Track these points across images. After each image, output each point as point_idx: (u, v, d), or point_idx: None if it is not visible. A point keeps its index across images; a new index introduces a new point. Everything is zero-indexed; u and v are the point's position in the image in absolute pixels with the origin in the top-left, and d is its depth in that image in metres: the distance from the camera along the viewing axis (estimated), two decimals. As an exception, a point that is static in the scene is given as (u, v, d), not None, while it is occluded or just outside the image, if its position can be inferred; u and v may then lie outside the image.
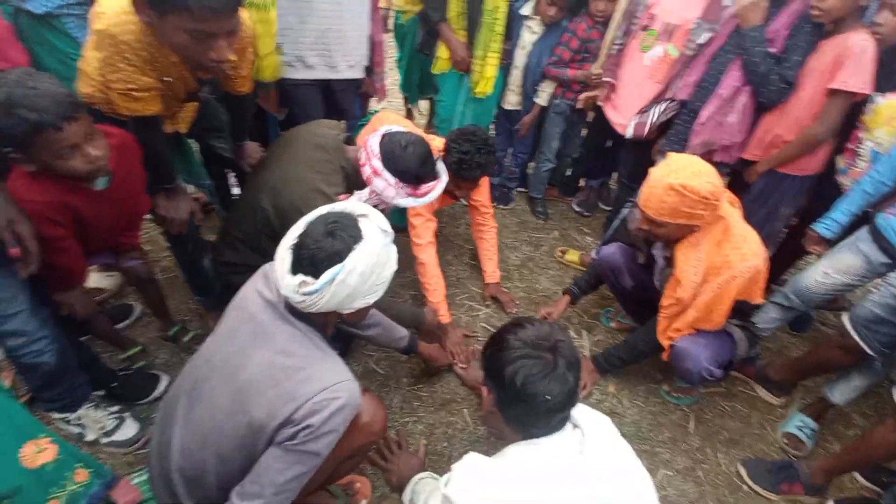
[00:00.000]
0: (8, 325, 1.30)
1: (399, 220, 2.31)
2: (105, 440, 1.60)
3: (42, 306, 1.38)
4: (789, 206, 2.12)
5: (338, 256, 0.99)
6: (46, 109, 1.11)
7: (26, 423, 1.03)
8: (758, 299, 1.64)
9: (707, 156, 2.13)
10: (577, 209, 3.08)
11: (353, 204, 1.10)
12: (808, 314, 2.33)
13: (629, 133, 2.33)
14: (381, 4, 3.09)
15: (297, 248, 1.02)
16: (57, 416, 1.58)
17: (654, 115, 2.23)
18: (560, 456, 0.96)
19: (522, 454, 0.98)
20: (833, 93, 1.81)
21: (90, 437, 1.59)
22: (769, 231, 2.13)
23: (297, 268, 1.01)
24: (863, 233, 1.79)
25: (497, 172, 3.00)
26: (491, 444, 1.76)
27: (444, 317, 2.09)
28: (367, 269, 1.01)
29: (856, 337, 1.65)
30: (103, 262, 1.68)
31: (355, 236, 1.01)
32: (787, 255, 2.34)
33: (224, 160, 1.96)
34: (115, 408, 1.64)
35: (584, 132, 2.92)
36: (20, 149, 1.17)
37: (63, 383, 1.48)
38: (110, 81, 1.27)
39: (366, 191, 1.53)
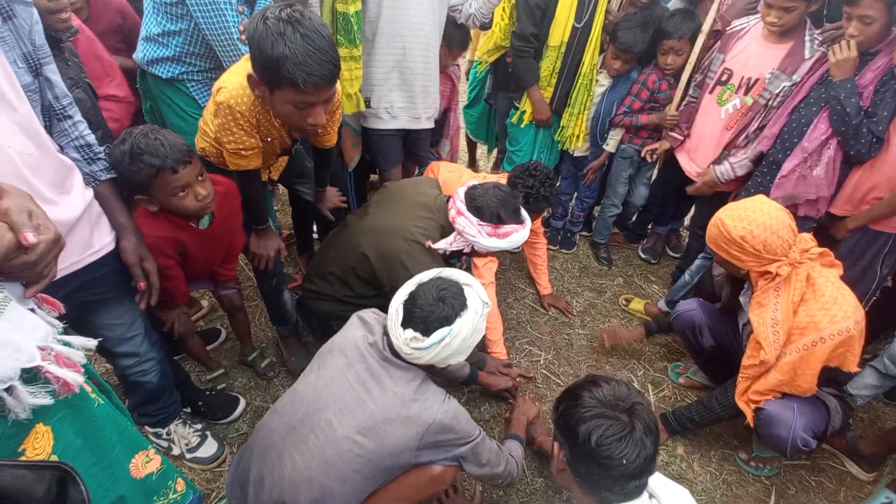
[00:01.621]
0: (124, 347, 1.45)
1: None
2: (189, 455, 1.74)
3: (154, 330, 1.55)
4: (886, 266, 1.96)
5: (446, 321, 1.15)
6: (166, 156, 1.34)
7: (137, 435, 1.13)
8: (852, 367, 1.51)
9: (791, 209, 2.04)
10: (644, 256, 3.01)
11: (457, 272, 1.25)
12: None
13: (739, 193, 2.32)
14: (467, 56, 3.31)
15: (410, 306, 1.18)
16: (150, 430, 1.73)
17: (734, 166, 2.20)
18: None
19: None
20: None
21: (176, 451, 1.74)
22: (862, 291, 1.98)
23: (408, 323, 1.16)
24: None
25: (561, 216, 3.02)
26: (548, 499, 1.72)
27: (502, 354, 2.14)
28: (468, 334, 1.16)
29: None
30: (204, 287, 1.90)
31: (462, 304, 1.18)
32: (884, 317, 2.14)
33: (307, 204, 2.14)
34: (199, 425, 1.79)
35: (652, 176, 2.89)
36: (144, 190, 1.39)
37: (162, 400, 1.63)
38: (224, 142, 1.48)
39: (453, 234, 1.63)
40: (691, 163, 2.41)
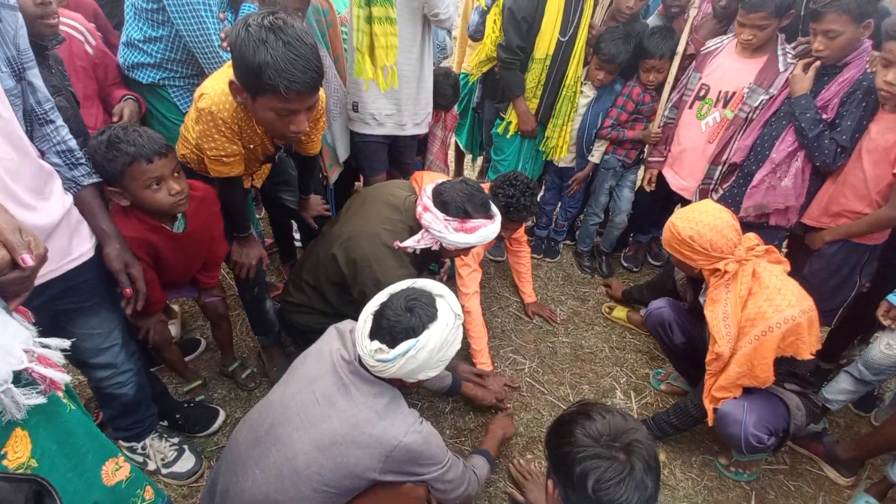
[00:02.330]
0: (100, 358, 1.41)
1: (452, 268, 2.40)
2: (165, 470, 1.69)
3: (131, 341, 1.51)
4: (865, 275, 2.02)
5: (413, 332, 1.11)
6: (142, 145, 1.35)
7: (108, 442, 1.12)
8: (805, 355, 1.57)
9: (763, 218, 2.10)
10: (626, 264, 3.05)
11: (431, 283, 1.22)
12: (872, 394, 2.18)
13: (696, 199, 2.38)
14: (454, 69, 3.35)
15: (378, 317, 1.15)
16: (124, 444, 1.68)
17: (717, 179, 2.26)
18: None
19: None
20: None
21: (151, 466, 1.69)
22: (841, 299, 2.04)
23: (375, 334, 1.13)
24: None
25: (546, 225, 3.05)
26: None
27: (486, 364, 2.14)
28: (436, 347, 1.12)
29: None
30: (188, 295, 1.86)
31: (431, 315, 1.13)
32: (860, 323, 2.20)
33: (289, 211, 2.13)
34: (176, 440, 1.74)
35: (636, 181, 2.93)
36: (117, 182, 1.37)
37: (138, 414, 1.59)
38: (205, 149, 1.46)
39: (420, 232, 1.62)
40: (676, 176, 2.47)
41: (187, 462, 1.71)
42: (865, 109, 1.81)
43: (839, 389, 1.97)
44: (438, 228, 1.57)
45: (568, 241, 3.16)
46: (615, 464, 0.87)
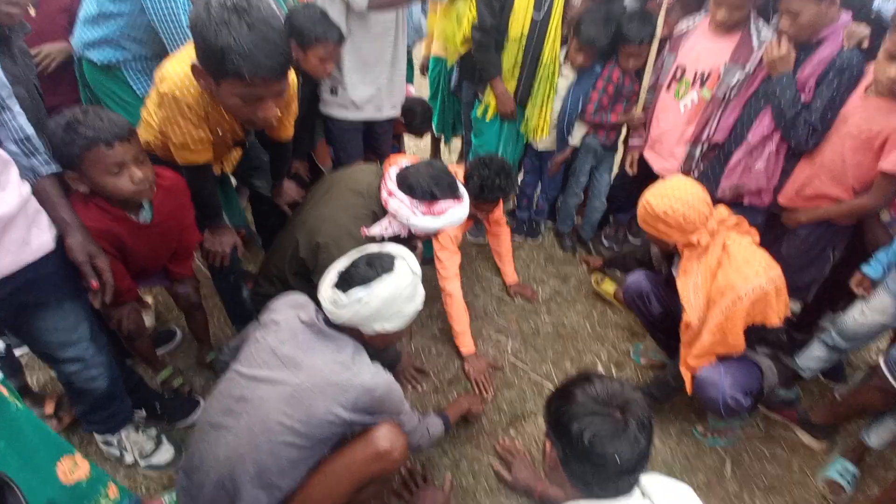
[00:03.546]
0: (68, 352, 1.37)
1: (428, 251, 2.39)
2: (143, 462, 1.67)
3: (101, 333, 1.47)
4: (838, 251, 2.07)
5: (368, 280, 1.18)
6: (102, 129, 1.28)
7: (60, 439, 1.10)
8: (775, 322, 1.62)
9: (739, 199, 2.12)
10: (606, 243, 3.07)
11: (396, 246, 1.27)
12: (842, 364, 2.24)
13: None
14: (423, 52, 3.30)
15: (342, 272, 1.23)
16: (99, 437, 1.66)
17: (697, 158, 2.27)
18: None
19: None
20: (885, 172, 1.73)
21: (129, 459, 1.66)
22: (814, 275, 2.08)
23: (337, 285, 1.20)
24: (895, 272, 1.74)
25: (527, 207, 3.05)
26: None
27: (469, 346, 2.14)
28: (388, 297, 1.18)
29: (890, 379, 1.58)
30: (159, 284, 1.82)
31: (387, 269, 1.19)
32: (833, 295, 2.25)
33: (267, 200, 2.08)
34: (153, 431, 1.72)
35: (614, 164, 2.94)
36: (75, 167, 1.31)
37: (110, 407, 1.55)
38: (169, 135, 1.41)
39: (386, 218, 1.59)
40: (657, 158, 2.47)
41: (166, 453, 1.69)
42: (837, 89, 1.80)
43: (812, 357, 2.02)
44: (405, 214, 1.55)
45: (549, 222, 3.17)
46: (610, 420, 0.92)
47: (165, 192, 1.51)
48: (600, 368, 2.24)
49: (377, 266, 1.20)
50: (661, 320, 2.02)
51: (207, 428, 1.22)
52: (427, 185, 1.54)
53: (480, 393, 2.03)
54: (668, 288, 1.97)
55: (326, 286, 1.22)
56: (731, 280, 1.59)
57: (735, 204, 2.15)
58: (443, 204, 1.56)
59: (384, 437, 1.24)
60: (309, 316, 1.25)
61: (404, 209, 1.54)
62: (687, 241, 1.64)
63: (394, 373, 2.00)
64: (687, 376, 1.75)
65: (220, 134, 1.49)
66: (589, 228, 3.00)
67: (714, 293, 1.62)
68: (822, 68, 1.83)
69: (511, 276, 2.61)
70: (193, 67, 1.27)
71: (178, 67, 1.33)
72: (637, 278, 2.05)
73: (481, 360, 2.13)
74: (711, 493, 1.77)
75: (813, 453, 1.95)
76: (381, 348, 1.32)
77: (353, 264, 1.22)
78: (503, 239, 2.56)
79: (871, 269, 1.79)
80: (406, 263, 1.24)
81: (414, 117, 2.66)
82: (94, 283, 1.28)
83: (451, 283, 2.12)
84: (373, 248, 1.29)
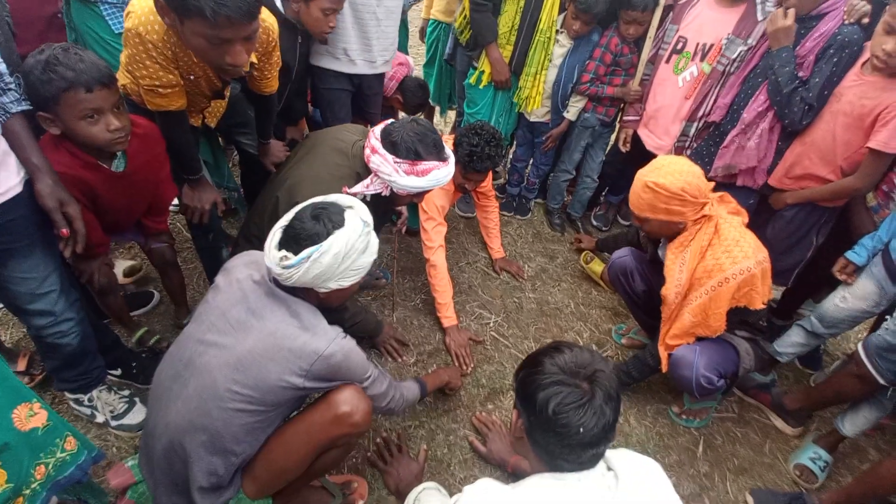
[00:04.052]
0: (37, 304, 1.33)
1: (413, 222, 2.34)
2: (115, 423, 1.64)
3: (72, 288, 1.42)
4: (822, 235, 2.06)
5: (317, 237, 1.09)
6: (83, 72, 1.21)
7: (20, 386, 1.07)
8: (757, 305, 1.61)
9: (731, 179, 2.10)
10: (596, 223, 3.05)
11: (343, 196, 1.19)
12: (818, 351, 2.27)
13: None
14: (422, 15, 3.19)
15: (287, 228, 1.13)
16: (70, 396, 1.62)
17: (692, 136, 2.23)
18: (583, 495, 0.89)
19: (542, 487, 0.92)
20: (873, 150, 1.72)
21: (100, 419, 1.64)
22: (798, 258, 2.08)
23: (282, 245, 1.11)
24: (878, 258, 1.74)
25: (517, 183, 3.00)
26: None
27: (451, 318, 2.12)
28: (340, 252, 1.10)
29: (868, 365, 1.59)
30: (133, 239, 1.74)
31: (337, 222, 1.11)
32: (814, 280, 2.26)
33: (256, 161, 2.00)
34: (126, 392, 1.69)
35: (609, 144, 2.90)
36: (50, 108, 1.24)
37: (82, 365, 1.52)
38: (137, 77, 1.33)
39: (369, 177, 1.53)
40: (651, 135, 2.42)
41: (138, 414, 1.66)
42: (837, 66, 1.77)
43: (790, 342, 2.04)
44: (388, 171, 1.47)
45: (539, 200, 3.13)
46: (577, 390, 0.90)
47: (140, 141, 1.45)
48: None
49: (325, 220, 1.10)
50: (644, 300, 2.02)
51: (158, 392, 1.18)
52: (411, 143, 1.47)
53: (460, 366, 2.02)
54: (652, 267, 1.96)
55: (272, 245, 1.12)
56: (720, 260, 1.57)
57: (727, 185, 2.14)
58: (427, 163, 1.49)
59: (345, 401, 1.19)
60: (261, 274, 1.18)
61: (386, 166, 1.47)
62: (699, 215, 1.61)
63: (374, 343, 2.02)
64: (664, 355, 1.75)
65: (194, 80, 1.41)
66: (579, 206, 2.97)
67: (700, 273, 1.61)
68: (823, 43, 1.80)
69: (498, 251, 2.58)
70: (157, 2, 1.19)
71: (144, 2, 1.24)
72: (622, 255, 2.04)
73: (463, 334, 2.12)
74: (682, 472, 1.80)
75: (785, 438, 1.98)
76: (336, 305, 1.25)
77: (298, 218, 1.12)
78: (491, 213, 2.52)
79: (856, 255, 1.79)
80: (356, 213, 1.15)
81: (412, 96, 2.57)
82: (65, 230, 1.23)
83: (436, 254, 2.09)
84: (317, 199, 1.18)
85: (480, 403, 1.91)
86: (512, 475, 1.67)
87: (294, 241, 1.09)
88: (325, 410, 1.19)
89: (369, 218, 1.17)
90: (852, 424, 1.78)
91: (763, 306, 1.62)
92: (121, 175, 1.44)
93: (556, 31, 2.43)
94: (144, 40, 1.25)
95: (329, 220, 1.10)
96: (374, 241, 1.20)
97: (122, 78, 1.48)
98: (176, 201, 1.73)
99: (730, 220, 1.63)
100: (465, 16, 2.47)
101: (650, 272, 1.97)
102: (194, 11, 1.10)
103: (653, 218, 1.64)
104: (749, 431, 1.99)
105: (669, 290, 1.66)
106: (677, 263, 1.65)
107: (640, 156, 2.60)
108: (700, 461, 1.85)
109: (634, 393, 2.02)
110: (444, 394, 1.88)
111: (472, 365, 2.05)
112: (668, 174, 1.57)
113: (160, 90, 1.34)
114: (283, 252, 1.09)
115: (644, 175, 1.61)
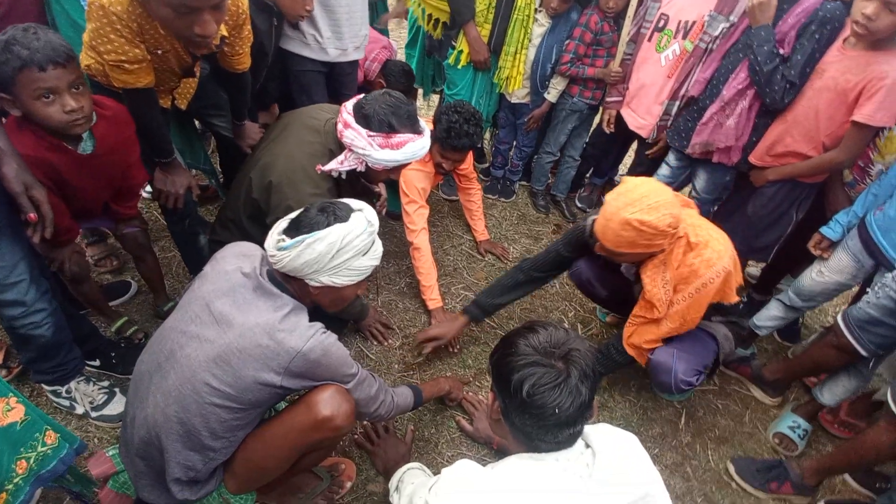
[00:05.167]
0: (7, 295, 1.29)
1: (394, 205, 2.32)
2: (94, 414, 1.61)
3: (43, 278, 1.38)
4: (801, 211, 2.08)
5: (316, 226, 1.10)
6: (37, 50, 1.18)
7: None
8: (732, 299, 1.58)
9: (706, 156, 2.11)
10: (580, 205, 3.06)
11: (356, 201, 1.18)
12: (796, 324, 2.32)
13: (654, 136, 2.35)
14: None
15: (294, 218, 1.14)
16: (48, 388, 1.59)
17: (674, 115, 2.23)
18: (560, 475, 0.88)
19: (520, 468, 0.90)
20: (857, 123, 1.71)
21: (79, 410, 1.60)
22: (778, 234, 2.10)
23: (285, 231, 1.12)
24: (853, 232, 1.77)
25: (501, 165, 2.99)
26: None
27: (436, 301, 2.12)
28: (335, 243, 1.09)
29: (849, 336, 1.62)
30: (101, 226, 1.70)
31: (341, 217, 1.11)
32: (792, 256, 2.30)
33: (233, 144, 1.95)
34: (106, 383, 1.65)
35: (592, 125, 2.90)
36: (8, 88, 1.22)
37: (58, 357, 1.48)
38: (102, 53, 1.28)
39: (343, 152, 1.49)
40: (633, 115, 2.42)
41: (118, 405, 1.62)
42: (819, 42, 1.76)
43: (769, 316, 2.08)
44: (362, 146, 1.44)
45: (524, 182, 3.12)
46: (551, 370, 0.88)
47: (108, 123, 1.40)
48: (566, 326, 2.26)
49: (330, 213, 1.11)
50: (609, 299, 2.00)
51: (138, 383, 1.16)
52: (384, 115, 1.43)
53: (447, 349, 2.02)
54: (608, 270, 1.89)
55: (274, 231, 1.14)
56: (695, 266, 1.49)
57: (704, 161, 2.15)
58: (401, 136, 1.46)
59: (326, 403, 1.14)
60: (252, 267, 1.15)
61: (360, 140, 1.43)
62: (675, 238, 1.50)
63: (359, 327, 2.01)
64: (637, 355, 1.71)
65: (162, 55, 1.36)
66: (563, 187, 2.97)
67: (677, 280, 1.53)
68: (804, 19, 1.79)
69: (482, 233, 2.57)
70: None
71: None
72: (577, 269, 1.97)
73: (448, 316, 2.11)
74: (666, 444, 1.84)
75: (765, 408, 2.03)
76: (328, 308, 1.22)
77: (306, 210, 1.14)
78: (474, 196, 2.50)
79: (831, 230, 1.82)
80: (363, 216, 1.15)
81: (395, 81, 2.48)
82: (32, 214, 1.19)
83: (419, 237, 2.07)
84: (333, 200, 1.18)
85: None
86: (498, 452, 1.68)
87: (295, 227, 1.11)
88: (305, 413, 1.14)
89: (377, 222, 1.17)
90: (831, 393, 1.82)
91: (738, 299, 1.59)
92: (88, 157, 1.39)
93: (535, 10, 2.40)
94: (108, 12, 1.20)
95: (334, 214, 1.11)
96: (380, 248, 1.20)
97: (86, 58, 1.43)
98: (149, 188, 1.69)
99: (689, 218, 1.55)
100: (428, 14, 2.45)
101: (607, 275, 1.91)
102: None
103: (629, 252, 1.49)
104: (730, 403, 2.03)
105: (662, 312, 1.57)
106: (659, 283, 1.54)
107: (624, 135, 2.62)
108: (682, 432, 1.89)
109: (618, 369, 2.04)
110: (444, 404, 1.82)
111: (459, 346, 2.05)
112: (653, 209, 1.38)
113: (126, 66, 1.30)
114: (283, 235, 1.11)
115: (622, 211, 1.40)
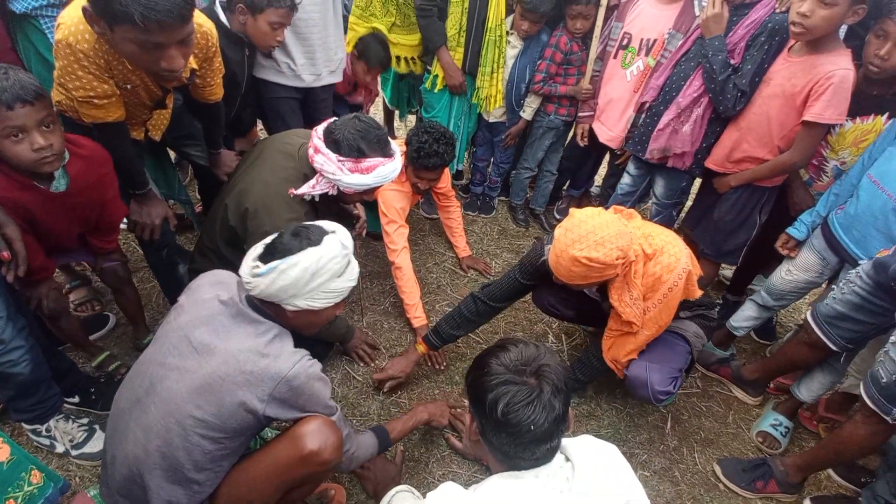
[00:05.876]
0: None
1: (374, 226, 2.34)
2: (75, 452, 1.58)
3: (20, 315, 1.36)
4: (764, 213, 2.14)
5: (290, 251, 1.09)
6: (5, 89, 1.18)
7: None
8: (696, 294, 1.59)
9: (663, 160, 2.18)
10: (559, 217, 3.12)
11: (330, 223, 1.19)
12: (772, 322, 2.38)
13: (623, 146, 2.44)
14: None
15: (268, 243, 1.15)
16: (28, 427, 1.55)
17: (639, 125, 2.29)
18: (540, 491, 0.89)
19: (500, 488, 0.91)
20: (808, 122, 1.76)
21: (60, 449, 1.57)
22: (744, 238, 2.16)
23: (260, 257, 1.12)
24: (818, 231, 1.84)
25: (480, 182, 3.04)
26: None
27: (420, 319, 2.13)
28: (310, 268, 1.10)
29: (818, 332, 1.67)
30: (78, 259, 1.69)
31: (314, 241, 1.12)
32: (761, 257, 2.37)
33: (210, 174, 1.96)
34: (85, 420, 1.63)
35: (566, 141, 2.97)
36: None
37: (37, 394, 1.45)
38: (70, 89, 1.29)
39: (315, 177, 1.50)
40: (603, 128, 2.50)
41: (99, 442, 1.59)
42: (767, 52, 1.85)
43: (745, 317, 2.13)
44: (331, 170, 1.45)
45: (503, 197, 3.18)
46: (524, 388, 0.89)
47: (84, 162, 1.41)
48: (551, 337, 2.29)
49: (303, 237, 1.11)
50: (578, 317, 2.03)
51: (117, 419, 1.14)
52: (354, 141, 1.44)
53: (433, 366, 2.02)
54: (569, 292, 1.86)
55: (249, 258, 1.14)
56: (657, 274, 1.52)
57: (660, 167, 2.23)
58: (371, 160, 1.47)
59: (312, 436, 1.11)
60: (229, 294, 1.15)
61: (330, 165, 1.45)
62: (628, 263, 1.51)
63: (345, 349, 2.00)
64: (615, 367, 1.73)
65: (131, 89, 1.37)
66: (542, 200, 3.02)
67: (645, 290, 1.55)
68: (754, 30, 1.88)
69: (463, 249, 2.60)
70: (84, 10, 1.15)
71: (73, 11, 1.21)
72: (539, 295, 1.99)
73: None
74: (653, 448, 1.85)
75: (747, 408, 2.07)
76: (306, 331, 1.22)
77: (280, 235, 1.14)
78: (453, 213, 2.54)
79: (796, 230, 1.89)
80: (337, 238, 1.15)
81: (374, 55, 2.39)
82: (5, 253, 1.19)
83: (400, 256, 2.09)
84: (306, 224, 1.19)
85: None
86: (488, 469, 1.68)
87: (270, 252, 1.11)
88: (290, 447, 1.13)
89: (351, 244, 1.18)
90: (808, 390, 1.87)
91: (702, 292, 1.61)
92: (61, 196, 1.39)
93: (507, 32, 2.48)
94: (75, 50, 1.21)
95: (307, 238, 1.11)
96: (355, 269, 1.20)
97: (56, 94, 1.43)
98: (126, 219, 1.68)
99: (638, 230, 1.56)
100: (396, 55, 2.51)
101: (567, 296, 1.93)
102: (122, 17, 1.07)
103: (585, 283, 1.53)
104: (713, 404, 2.07)
105: (637, 322, 1.58)
106: (628, 301, 1.56)
107: (597, 148, 2.70)
108: (669, 437, 1.91)
109: (605, 377, 2.06)
110: (432, 430, 1.78)
111: (445, 363, 2.06)
112: (599, 245, 1.39)
113: (95, 101, 1.31)
114: (257, 262, 1.11)
115: (570, 248, 1.41)
